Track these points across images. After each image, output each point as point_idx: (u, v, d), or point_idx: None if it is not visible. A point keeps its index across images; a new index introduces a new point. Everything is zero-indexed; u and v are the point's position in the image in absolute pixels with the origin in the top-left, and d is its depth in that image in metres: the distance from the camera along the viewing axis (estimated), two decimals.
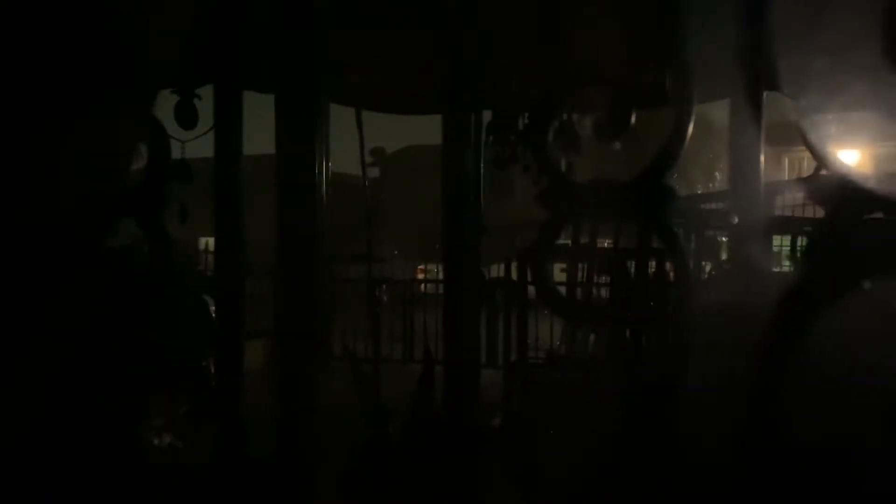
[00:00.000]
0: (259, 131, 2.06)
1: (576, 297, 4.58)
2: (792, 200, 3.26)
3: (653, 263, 3.56)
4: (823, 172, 1.81)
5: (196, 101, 1.95)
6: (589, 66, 1.78)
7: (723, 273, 4.48)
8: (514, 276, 4.85)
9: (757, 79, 2.04)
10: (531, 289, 5.45)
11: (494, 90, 1.98)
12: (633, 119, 1.61)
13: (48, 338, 1.32)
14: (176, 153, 1.98)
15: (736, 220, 2.50)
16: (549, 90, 1.67)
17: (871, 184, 1.51)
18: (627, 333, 3.62)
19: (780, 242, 4.16)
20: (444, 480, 1.84)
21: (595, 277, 4.51)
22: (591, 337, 3.94)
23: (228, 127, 1.89)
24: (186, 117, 1.92)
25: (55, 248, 1.20)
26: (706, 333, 1.84)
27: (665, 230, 1.53)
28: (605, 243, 4.35)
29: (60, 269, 1.26)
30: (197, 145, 2.11)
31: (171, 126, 2.07)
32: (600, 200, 1.70)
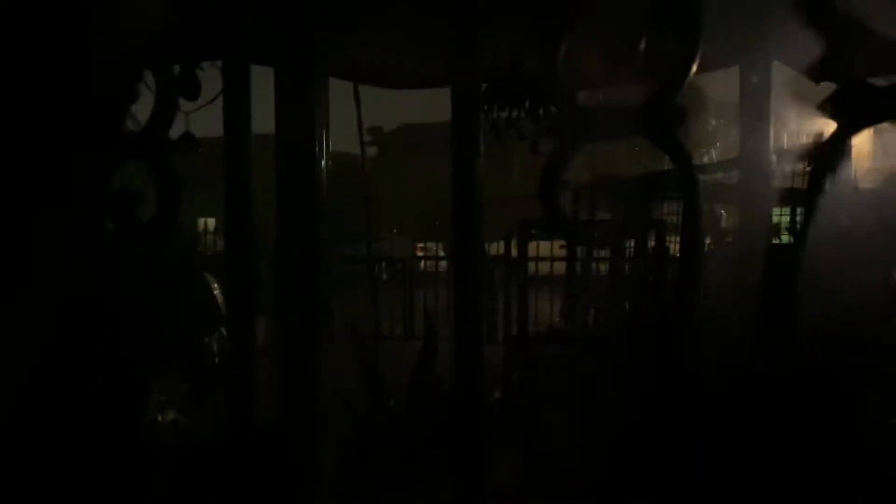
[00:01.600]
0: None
1: (575, 272, 4.58)
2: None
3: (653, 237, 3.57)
4: None
5: (199, 72, 1.93)
6: None
7: (723, 246, 4.48)
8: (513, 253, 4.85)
9: (766, 47, 2.03)
10: (531, 265, 5.43)
11: (492, 57, 1.96)
12: (642, 43, 1.61)
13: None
14: (181, 125, 1.98)
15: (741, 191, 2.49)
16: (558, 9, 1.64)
17: None
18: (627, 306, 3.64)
19: (780, 214, 4.15)
20: (445, 451, 1.85)
21: (595, 252, 4.51)
22: (591, 311, 3.95)
23: (236, 101, 1.89)
24: (189, 88, 1.90)
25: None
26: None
27: (676, 149, 1.53)
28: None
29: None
30: (201, 129, 2.10)
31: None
32: (611, 122, 1.69)
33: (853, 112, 1.49)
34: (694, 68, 1.52)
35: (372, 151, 24.46)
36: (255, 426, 1.93)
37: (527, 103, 2.19)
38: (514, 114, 2.37)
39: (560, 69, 1.61)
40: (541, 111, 2.25)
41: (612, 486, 2.07)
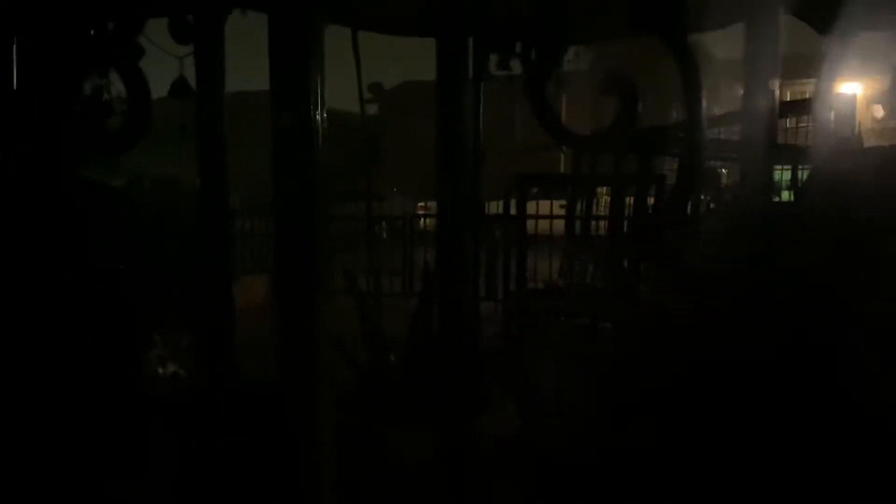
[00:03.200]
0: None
1: (574, 230, 4.58)
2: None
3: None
4: None
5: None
6: None
7: (723, 204, 4.47)
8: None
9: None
10: (530, 223, 5.44)
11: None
12: None
13: None
14: (174, 71, 1.94)
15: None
16: None
17: None
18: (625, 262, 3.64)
19: (781, 172, 4.13)
20: (442, 406, 1.87)
21: (594, 209, 4.50)
22: (590, 267, 3.96)
23: (208, 50, 1.84)
24: (180, 31, 1.86)
25: None
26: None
27: (677, 41, 1.50)
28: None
29: None
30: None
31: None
32: (606, 8, 1.64)
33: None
34: None
35: (372, 109, 24.23)
36: (240, 380, 1.94)
37: (518, 46, 2.14)
38: (506, 57, 2.31)
39: None
40: (533, 54, 2.21)
41: (606, 440, 2.10)
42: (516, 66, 2.37)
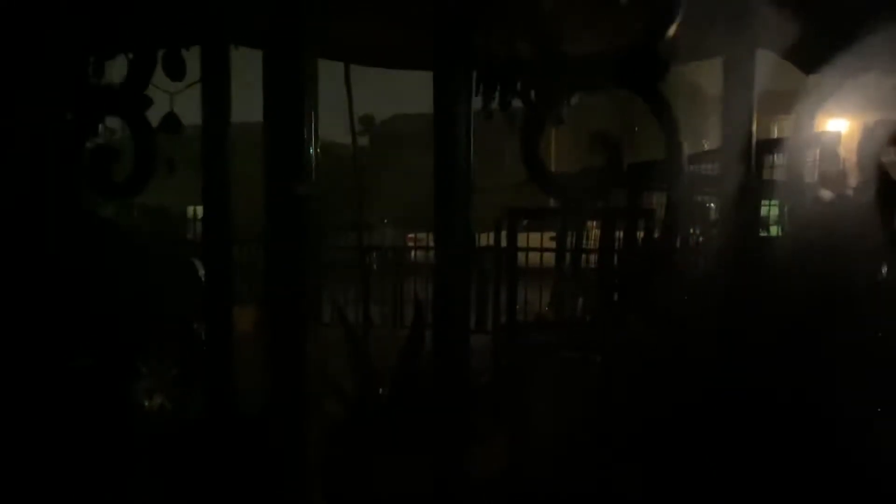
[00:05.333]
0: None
1: (564, 262, 4.61)
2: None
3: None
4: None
5: (184, 51, 1.92)
6: None
7: (710, 238, 4.50)
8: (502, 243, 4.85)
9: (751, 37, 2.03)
10: (520, 254, 5.46)
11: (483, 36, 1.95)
12: None
13: None
14: (164, 106, 1.96)
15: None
16: None
17: None
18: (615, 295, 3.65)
19: (769, 206, 4.17)
20: (431, 438, 1.86)
21: (584, 242, 4.53)
22: (580, 300, 3.97)
23: (215, 84, 1.86)
24: (174, 68, 1.89)
25: None
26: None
27: (657, 100, 1.54)
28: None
29: None
30: (188, 115, 2.08)
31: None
32: (593, 73, 1.68)
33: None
34: (678, 16, 1.51)
35: (363, 141, 24.37)
36: (236, 411, 1.93)
37: (518, 85, 2.18)
38: (506, 97, 2.36)
39: (538, 25, 1.60)
40: (532, 94, 2.24)
41: (597, 473, 2.09)
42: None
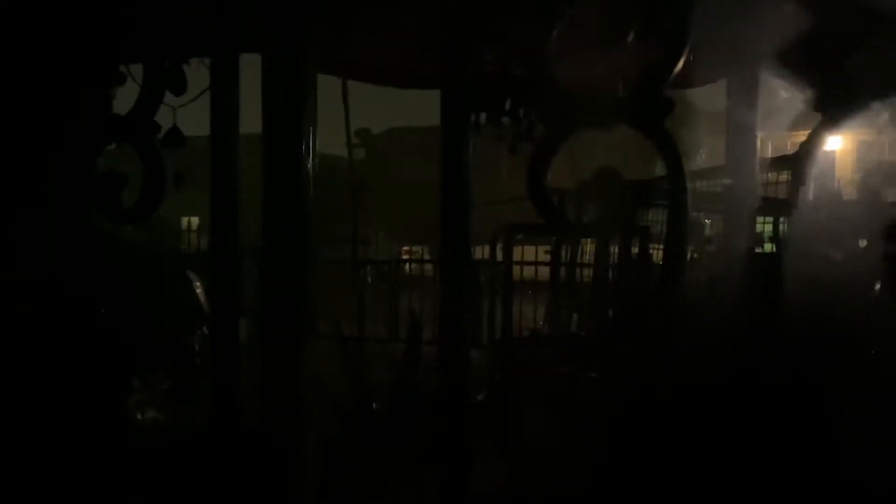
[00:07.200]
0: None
1: (559, 278, 4.60)
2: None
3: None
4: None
5: (185, 66, 1.92)
6: None
7: (707, 256, 4.51)
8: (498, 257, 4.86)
9: (751, 59, 2.05)
10: (515, 268, 5.45)
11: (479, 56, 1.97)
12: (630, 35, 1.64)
13: None
14: (167, 120, 1.96)
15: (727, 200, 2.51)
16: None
17: None
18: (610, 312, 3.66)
19: (763, 224, 4.18)
20: (427, 453, 1.86)
21: (580, 257, 4.53)
22: (575, 316, 3.97)
23: (224, 96, 1.88)
24: (175, 82, 1.89)
25: None
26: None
27: (663, 138, 1.55)
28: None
29: None
30: (187, 127, 2.09)
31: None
32: (599, 111, 1.70)
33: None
34: (682, 58, 1.53)
35: (359, 154, 24.39)
36: (238, 426, 1.92)
37: (508, 103, 2.19)
38: (497, 115, 2.37)
39: (547, 62, 1.62)
40: (521, 112, 2.25)
41: (596, 490, 2.08)
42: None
